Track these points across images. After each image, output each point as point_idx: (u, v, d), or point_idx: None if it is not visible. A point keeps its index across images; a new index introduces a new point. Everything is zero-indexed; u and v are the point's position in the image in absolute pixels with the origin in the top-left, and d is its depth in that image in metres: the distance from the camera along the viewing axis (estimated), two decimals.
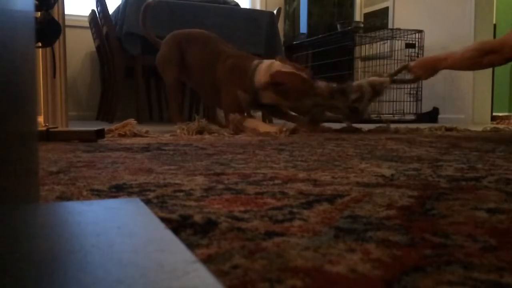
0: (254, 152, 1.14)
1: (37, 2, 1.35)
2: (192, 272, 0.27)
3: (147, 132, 1.78)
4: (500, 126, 2.80)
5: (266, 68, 2.01)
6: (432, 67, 1.98)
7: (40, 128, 1.52)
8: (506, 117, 3.83)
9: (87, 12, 3.63)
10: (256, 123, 2.03)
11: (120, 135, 1.71)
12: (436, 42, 3.76)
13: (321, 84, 2.00)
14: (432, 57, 2.10)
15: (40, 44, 1.48)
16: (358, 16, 4.62)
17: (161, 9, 3.08)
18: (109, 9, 3.18)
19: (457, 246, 0.38)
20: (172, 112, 2.38)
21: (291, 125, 2.06)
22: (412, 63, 2.11)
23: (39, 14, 1.38)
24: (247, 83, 2.05)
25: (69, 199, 0.57)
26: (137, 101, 3.15)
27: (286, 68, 2.00)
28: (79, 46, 3.86)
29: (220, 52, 2.20)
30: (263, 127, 1.95)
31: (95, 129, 1.52)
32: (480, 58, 1.75)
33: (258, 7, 4.59)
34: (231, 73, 2.11)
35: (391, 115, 3.70)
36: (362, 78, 3.95)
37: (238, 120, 2.01)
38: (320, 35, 4.13)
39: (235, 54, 2.19)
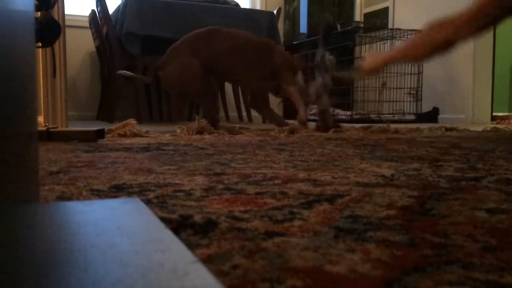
0: (254, 152, 1.14)
1: (37, 2, 1.34)
2: (192, 272, 0.27)
3: (147, 132, 1.78)
4: (500, 126, 2.80)
5: None
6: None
7: (40, 128, 1.52)
8: (506, 117, 3.82)
9: (87, 12, 3.63)
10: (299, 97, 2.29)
11: (120, 135, 1.71)
12: None
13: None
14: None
15: (40, 44, 1.48)
16: (358, 16, 4.62)
17: (161, 9, 3.08)
18: (109, 9, 3.18)
19: (457, 246, 0.38)
20: (212, 117, 2.20)
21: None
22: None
23: (39, 14, 1.38)
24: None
25: (69, 199, 0.57)
26: (137, 101, 3.15)
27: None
28: (79, 46, 3.86)
29: (256, 42, 2.34)
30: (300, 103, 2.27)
31: (95, 129, 1.52)
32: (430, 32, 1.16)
33: (258, 7, 4.59)
34: (286, 59, 2.36)
35: (391, 115, 3.70)
36: (362, 78, 3.95)
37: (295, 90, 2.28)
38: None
39: (268, 40, 2.45)
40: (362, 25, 4.24)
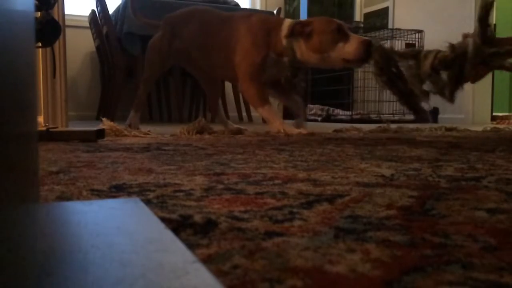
0: (254, 152, 1.14)
1: (37, 2, 1.34)
2: (192, 272, 0.27)
3: (147, 132, 1.78)
4: (500, 126, 2.80)
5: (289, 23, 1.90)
6: None
7: (40, 128, 1.52)
8: (506, 117, 3.83)
9: (87, 12, 3.63)
10: (272, 116, 1.90)
11: (120, 135, 1.71)
12: (436, 42, 3.76)
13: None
14: None
15: (40, 44, 1.48)
16: (358, 16, 4.63)
17: (161, 9, 3.08)
18: (109, 9, 3.18)
19: (457, 246, 0.38)
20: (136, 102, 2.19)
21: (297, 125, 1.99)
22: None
23: (39, 14, 1.38)
24: (275, 43, 1.87)
25: (69, 199, 0.57)
26: None
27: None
28: (79, 46, 3.86)
29: (227, 18, 1.98)
30: (275, 124, 1.86)
31: (95, 129, 1.52)
32: None
33: (258, 7, 4.59)
34: (255, 33, 1.87)
35: (391, 115, 3.70)
36: (362, 78, 3.95)
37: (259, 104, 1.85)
38: None
39: (249, 14, 1.99)
40: (362, 25, 4.25)
